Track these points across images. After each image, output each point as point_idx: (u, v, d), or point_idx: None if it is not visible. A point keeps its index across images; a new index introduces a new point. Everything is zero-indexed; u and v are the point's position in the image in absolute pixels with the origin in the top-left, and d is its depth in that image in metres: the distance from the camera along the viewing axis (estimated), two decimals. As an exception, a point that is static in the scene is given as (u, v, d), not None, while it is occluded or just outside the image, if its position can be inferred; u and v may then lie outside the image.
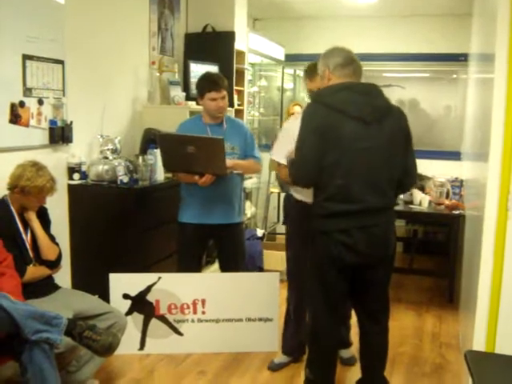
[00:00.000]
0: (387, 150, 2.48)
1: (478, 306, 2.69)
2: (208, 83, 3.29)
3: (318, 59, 2.62)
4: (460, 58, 5.58)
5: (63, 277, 3.28)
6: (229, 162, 3.20)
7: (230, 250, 3.51)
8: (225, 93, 3.30)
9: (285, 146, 2.84)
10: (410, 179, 2.67)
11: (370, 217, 2.47)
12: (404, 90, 6.05)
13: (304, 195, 2.92)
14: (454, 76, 6.12)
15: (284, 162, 2.80)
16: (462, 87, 6.02)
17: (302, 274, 3.07)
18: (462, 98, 5.94)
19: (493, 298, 2.66)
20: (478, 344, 2.70)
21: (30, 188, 2.74)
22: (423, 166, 3.45)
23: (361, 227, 2.45)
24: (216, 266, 4.65)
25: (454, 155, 5.66)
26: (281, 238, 6.17)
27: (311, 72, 2.97)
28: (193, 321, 3.42)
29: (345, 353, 3.33)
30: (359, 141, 2.40)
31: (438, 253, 5.38)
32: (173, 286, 3.39)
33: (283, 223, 3.28)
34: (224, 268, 3.55)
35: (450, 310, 4.30)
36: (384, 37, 5.85)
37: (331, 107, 2.40)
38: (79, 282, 3.53)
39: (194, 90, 4.49)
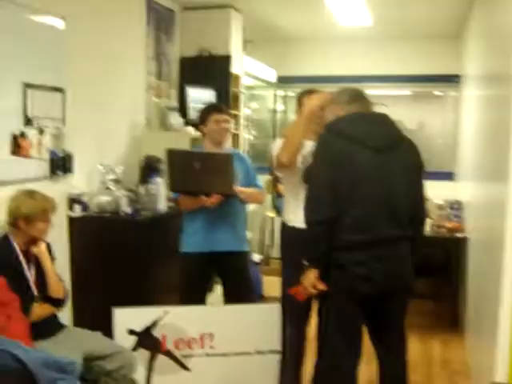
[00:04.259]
0: (401, 179, 2.47)
1: (500, 336, 2.64)
2: (212, 107, 3.40)
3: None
4: (454, 80, 5.59)
5: (64, 314, 3.12)
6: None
7: (238, 281, 3.40)
8: (228, 118, 3.35)
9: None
10: (423, 213, 2.67)
11: (386, 247, 2.43)
12: (388, 108, 6.01)
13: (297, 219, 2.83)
14: (440, 94, 6.13)
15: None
16: (450, 107, 6.05)
17: (297, 308, 2.99)
18: (451, 117, 5.96)
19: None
20: (501, 376, 2.64)
21: (34, 214, 2.62)
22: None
23: (378, 258, 2.40)
24: (215, 295, 4.54)
25: (447, 176, 5.65)
26: (275, 262, 6.10)
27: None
28: (200, 355, 3.30)
29: None
30: (374, 170, 2.39)
31: (434, 275, 5.33)
32: (179, 320, 3.25)
33: None
34: (231, 300, 3.43)
35: (455, 335, 4.25)
36: (376, 59, 5.83)
37: (349, 138, 2.39)
38: (81, 319, 3.37)
39: (192, 116, 4.42)
